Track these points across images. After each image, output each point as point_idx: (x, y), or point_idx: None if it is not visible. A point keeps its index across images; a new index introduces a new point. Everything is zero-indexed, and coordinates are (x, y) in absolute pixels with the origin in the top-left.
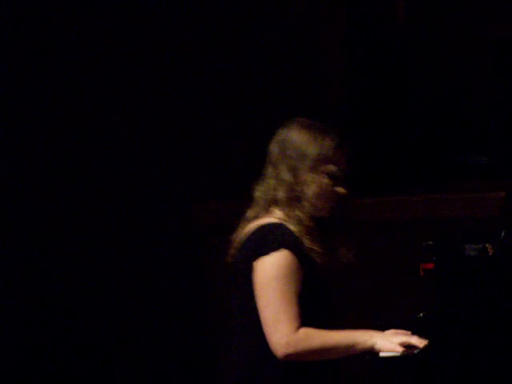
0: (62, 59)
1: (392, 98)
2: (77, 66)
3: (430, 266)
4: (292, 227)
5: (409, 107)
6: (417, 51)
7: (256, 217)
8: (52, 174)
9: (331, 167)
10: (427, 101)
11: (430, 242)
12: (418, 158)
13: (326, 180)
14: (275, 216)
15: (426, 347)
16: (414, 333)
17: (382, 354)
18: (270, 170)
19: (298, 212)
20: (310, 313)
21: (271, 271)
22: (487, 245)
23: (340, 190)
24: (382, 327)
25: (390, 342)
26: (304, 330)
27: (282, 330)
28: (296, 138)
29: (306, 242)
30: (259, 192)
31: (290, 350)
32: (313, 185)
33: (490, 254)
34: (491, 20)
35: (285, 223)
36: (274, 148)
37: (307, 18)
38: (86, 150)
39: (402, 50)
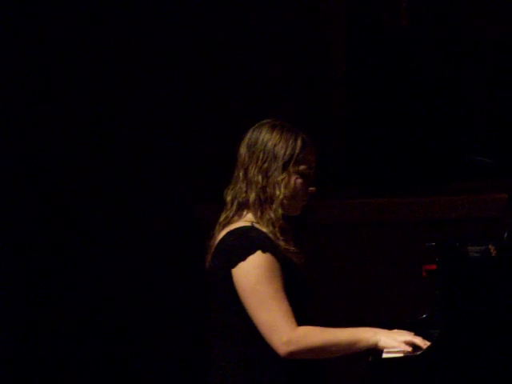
0: (60, 58)
1: (393, 99)
2: (76, 65)
3: (433, 267)
4: (264, 229)
5: (410, 108)
6: (417, 51)
7: (228, 221)
8: (53, 176)
9: (302, 167)
10: (428, 101)
11: (433, 243)
12: (419, 158)
13: (298, 180)
14: (246, 219)
15: (428, 348)
16: (417, 334)
17: (384, 355)
18: (240, 173)
19: (271, 213)
20: (293, 312)
21: (253, 275)
22: (490, 246)
23: (311, 188)
24: (385, 327)
25: (394, 340)
26: (304, 328)
27: (281, 330)
28: (266, 139)
29: (281, 243)
30: (231, 196)
31: (292, 347)
32: (285, 185)
33: (493, 255)
34: (491, 20)
35: (256, 225)
36: (243, 151)
37: (307, 19)
38: (88, 151)
39: (402, 50)
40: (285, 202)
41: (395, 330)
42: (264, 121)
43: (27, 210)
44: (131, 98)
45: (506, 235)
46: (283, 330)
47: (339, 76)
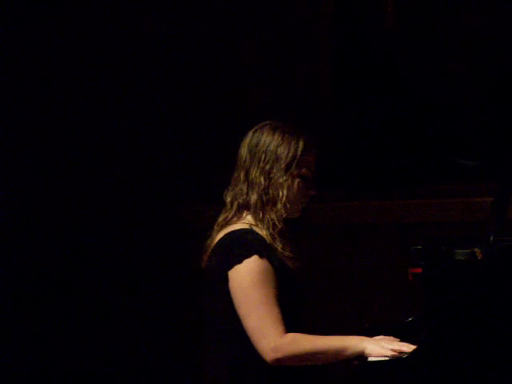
0: (57, 57)
1: (382, 101)
2: (72, 65)
3: (419, 270)
4: (262, 232)
5: (399, 110)
6: (406, 52)
7: (227, 222)
8: (37, 180)
9: (304, 169)
10: (418, 103)
11: (419, 247)
12: (407, 161)
13: (300, 182)
14: (245, 221)
15: (414, 351)
16: (402, 337)
17: (370, 358)
18: (241, 175)
19: (271, 215)
20: (285, 317)
21: (247, 279)
22: (476, 249)
23: (310, 191)
24: (370, 330)
25: (381, 347)
26: (292, 335)
27: (269, 336)
28: (268, 141)
29: (278, 246)
30: (230, 197)
31: (279, 354)
32: (287, 187)
33: (479, 258)
34: (479, 20)
35: (254, 228)
36: (244, 152)
37: (293, 20)
38: (78, 152)
39: (391, 51)
40: (286, 203)
41: (381, 337)
42: (264, 122)
43: (17, 207)
44: (124, 100)
45: (491, 238)
46: (271, 337)
47: (325, 78)
